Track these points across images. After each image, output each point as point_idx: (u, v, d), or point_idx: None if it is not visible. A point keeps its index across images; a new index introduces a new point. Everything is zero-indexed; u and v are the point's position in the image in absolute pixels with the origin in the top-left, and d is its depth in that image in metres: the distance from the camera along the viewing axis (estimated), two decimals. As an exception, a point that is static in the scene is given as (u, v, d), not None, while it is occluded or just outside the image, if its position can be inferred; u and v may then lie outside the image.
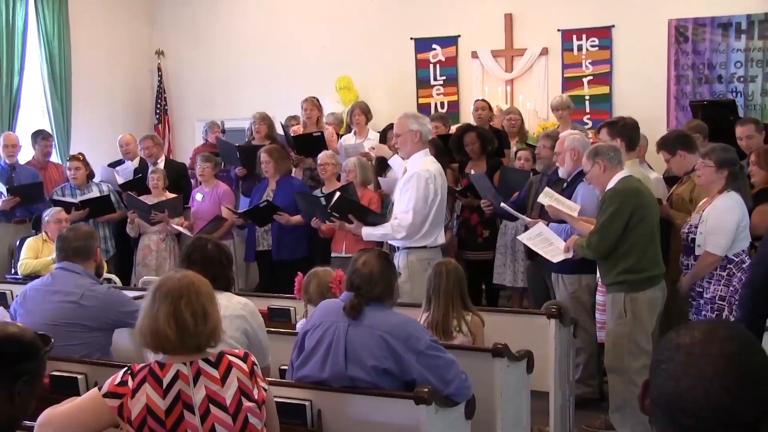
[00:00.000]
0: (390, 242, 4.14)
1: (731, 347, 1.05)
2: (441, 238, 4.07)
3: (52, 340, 1.79)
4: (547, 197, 3.84)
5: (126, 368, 1.95)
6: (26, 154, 6.25)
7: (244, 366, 1.96)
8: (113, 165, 6.17)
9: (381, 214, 4.33)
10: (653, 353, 1.17)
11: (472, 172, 4.93)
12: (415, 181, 3.86)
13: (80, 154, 5.76)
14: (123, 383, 1.90)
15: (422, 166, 3.92)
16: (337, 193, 4.45)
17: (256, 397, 1.94)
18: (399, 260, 3.88)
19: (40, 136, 6.13)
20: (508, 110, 6.37)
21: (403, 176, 4.04)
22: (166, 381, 1.88)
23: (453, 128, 5.91)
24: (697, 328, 1.09)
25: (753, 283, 2.52)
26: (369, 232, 4.15)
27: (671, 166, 4.31)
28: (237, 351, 2.03)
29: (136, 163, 6.18)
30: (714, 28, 6.63)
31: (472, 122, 6.03)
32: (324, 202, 4.64)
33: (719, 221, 3.43)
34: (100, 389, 1.92)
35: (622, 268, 3.40)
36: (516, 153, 5.44)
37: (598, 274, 3.70)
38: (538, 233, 3.84)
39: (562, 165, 4.07)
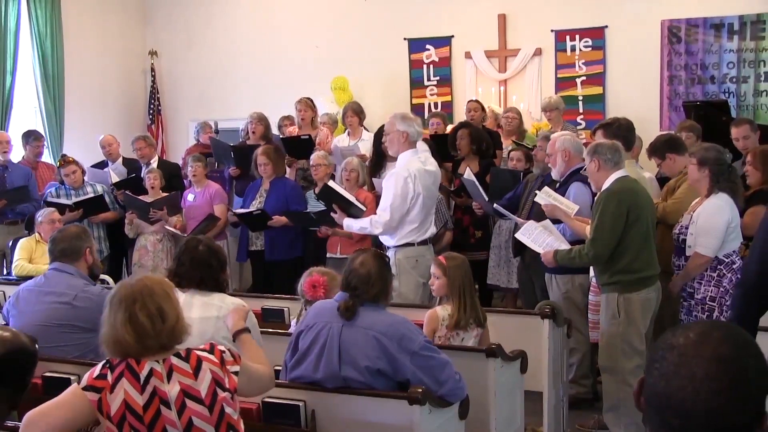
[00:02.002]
0: (384, 242, 4.19)
1: (724, 350, 1.04)
2: (429, 233, 4.12)
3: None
4: (546, 195, 3.85)
5: (105, 361, 1.96)
6: (18, 154, 6.24)
7: (213, 357, 1.98)
8: (97, 167, 6.15)
9: (361, 208, 4.38)
10: (656, 346, 1.15)
11: (467, 172, 4.95)
12: (394, 180, 3.98)
13: (70, 156, 5.74)
14: (102, 376, 1.91)
15: (403, 165, 4.01)
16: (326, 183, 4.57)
17: (227, 385, 1.96)
18: (395, 258, 3.95)
19: (31, 137, 6.14)
20: (506, 109, 6.44)
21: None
22: (142, 376, 1.91)
23: (448, 128, 5.95)
24: (692, 329, 1.09)
25: (745, 284, 2.52)
26: (349, 224, 4.24)
27: (664, 170, 4.35)
28: (203, 345, 2.04)
29: (119, 163, 6.16)
30: (706, 28, 6.67)
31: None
32: (314, 216, 4.73)
33: (708, 222, 3.45)
34: (79, 383, 1.94)
35: (616, 268, 3.40)
36: (509, 153, 5.46)
37: (591, 274, 3.71)
38: (540, 228, 3.78)
39: (554, 166, 4.09)
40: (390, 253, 3.99)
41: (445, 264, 3.12)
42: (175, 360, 1.95)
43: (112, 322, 1.94)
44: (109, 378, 1.91)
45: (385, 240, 4.12)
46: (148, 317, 1.93)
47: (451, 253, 3.40)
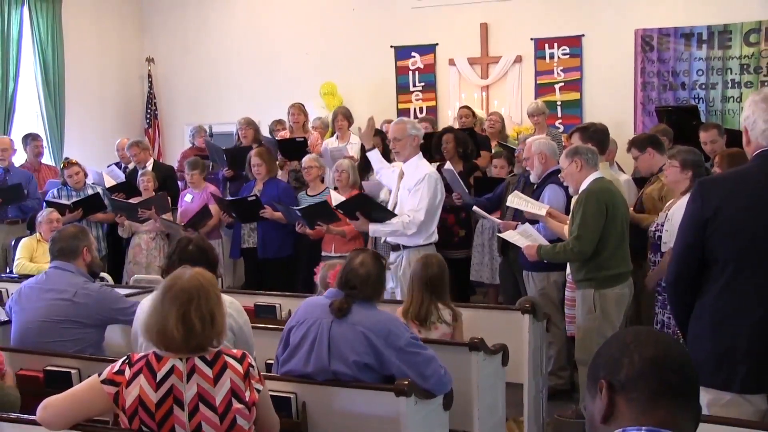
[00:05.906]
0: (393, 241, 4.17)
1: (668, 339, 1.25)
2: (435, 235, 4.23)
3: None
4: (516, 198, 3.99)
5: (125, 357, 2.02)
6: (21, 157, 6.34)
7: (240, 368, 1.99)
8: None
9: (394, 214, 4.15)
10: (602, 354, 1.23)
11: (447, 164, 5.01)
12: (427, 182, 4.05)
13: (73, 158, 5.84)
14: (120, 372, 1.97)
15: (428, 168, 4.11)
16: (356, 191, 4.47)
17: (247, 399, 1.97)
18: (410, 258, 3.95)
19: (29, 138, 6.27)
20: (490, 113, 6.57)
21: (397, 176, 4.20)
22: (160, 375, 1.94)
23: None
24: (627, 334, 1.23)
25: (671, 282, 2.41)
26: (377, 228, 4.13)
27: (639, 165, 4.46)
28: (235, 351, 2.06)
29: (131, 167, 6.26)
30: (677, 38, 6.86)
31: (456, 127, 6.23)
32: (299, 214, 4.81)
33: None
34: (99, 376, 1.99)
35: (592, 265, 3.51)
36: (491, 159, 5.56)
37: (568, 271, 3.86)
38: (523, 230, 3.89)
39: (532, 169, 4.23)
40: (412, 253, 3.98)
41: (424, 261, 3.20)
42: (198, 362, 1.96)
43: (164, 314, 1.96)
44: (127, 374, 1.96)
45: (405, 240, 4.07)
46: (200, 320, 1.94)
47: (425, 254, 3.44)
